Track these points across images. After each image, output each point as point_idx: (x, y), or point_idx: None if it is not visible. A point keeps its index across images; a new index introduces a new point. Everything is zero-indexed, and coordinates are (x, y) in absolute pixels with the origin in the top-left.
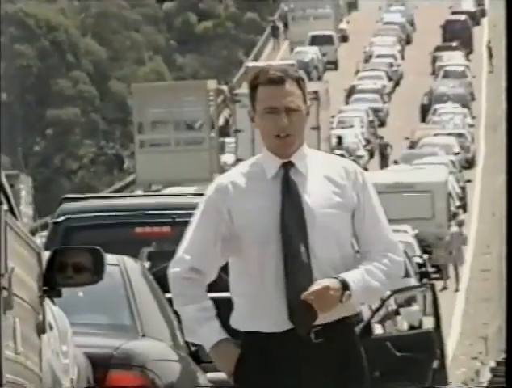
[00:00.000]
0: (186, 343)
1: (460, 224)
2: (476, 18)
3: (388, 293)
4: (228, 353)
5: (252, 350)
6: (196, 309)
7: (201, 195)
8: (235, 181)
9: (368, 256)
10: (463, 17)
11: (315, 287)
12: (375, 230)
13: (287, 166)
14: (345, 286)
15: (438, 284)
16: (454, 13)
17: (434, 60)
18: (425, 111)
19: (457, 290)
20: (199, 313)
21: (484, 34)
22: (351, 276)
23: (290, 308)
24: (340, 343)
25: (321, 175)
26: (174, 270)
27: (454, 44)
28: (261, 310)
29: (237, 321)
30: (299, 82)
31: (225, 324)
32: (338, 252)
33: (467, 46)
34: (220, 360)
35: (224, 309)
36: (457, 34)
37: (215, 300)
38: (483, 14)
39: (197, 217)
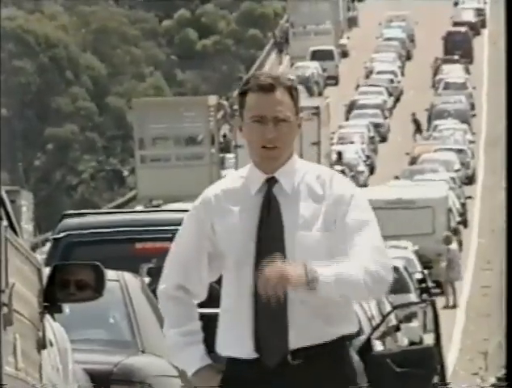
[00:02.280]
0: None
1: (449, 241)
2: (476, 28)
3: (389, 308)
4: (210, 380)
5: (230, 376)
6: (178, 333)
7: None
8: (219, 195)
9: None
10: (463, 29)
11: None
12: (359, 239)
13: (271, 182)
14: (309, 267)
15: (441, 301)
16: (455, 24)
17: (435, 72)
18: (418, 126)
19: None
20: (181, 337)
21: (485, 44)
22: (319, 264)
23: (256, 337)
24: (323, 362)
25: (305, 193)
26: (160, 287)
27: (455, 56)
28: (234, 335)
29: (216, 344)
30: (291, 91)
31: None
32: None
33: (467, 57)
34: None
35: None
36: (458, 45)
37: (208, 316)
38: (483, 24)
39: (181, 231)
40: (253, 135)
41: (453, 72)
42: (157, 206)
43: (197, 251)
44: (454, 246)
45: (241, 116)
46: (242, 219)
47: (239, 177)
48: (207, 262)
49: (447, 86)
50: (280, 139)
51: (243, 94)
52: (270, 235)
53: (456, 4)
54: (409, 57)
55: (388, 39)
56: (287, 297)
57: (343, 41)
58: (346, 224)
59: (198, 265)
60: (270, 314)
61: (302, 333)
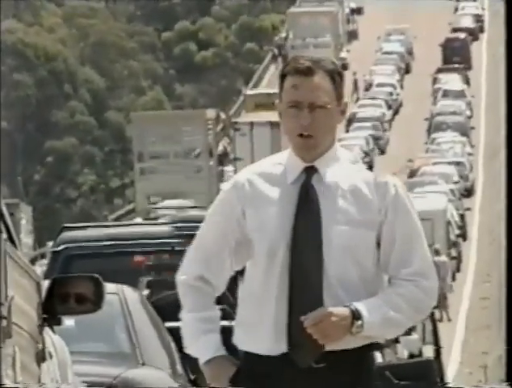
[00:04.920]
0: (185, 371)
1: (437, 253)
2: (475, 34)
3: None
4: (222, 371)
5: (247, 371)
6: (196, 318)
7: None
8: (253, 180)
9: (393, 282)
10: (462, 35)
11: (316, 313)
12: (406, 251)
13: (311, 171)
14: (357, 315)
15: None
16: (454, 30)
17: (435, 81)
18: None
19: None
20: (199, 323)
21: (483, 50)
22: (366, 305)
23: (290, 335)
24: (346, 369)
25: (346, 186)
26: (180, 278)
27: (454, 65)
28: (259, 329)
29: (236, 338)
30: (333, 75)
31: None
32: (355, 274)
33: (465, 63)
34: (213, 378)
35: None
36: (456, 51)
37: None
38: (481, 30)
39: (208, 217)
40: (288, 121)
41: (451, 81)
42: (155, 203)
43: (223, 238)
44: (442, 258)
45: (280, 100)
46: (278, 208)
47: (276, 163)
48: (233, 249)
49: (446, 93)
50: (316, 127)
51: (282, 76)
52: (306, 226)
53: (456, 10)
54: (407, 70)
55: (387, 52)
56: (322, 296)
57: (343, 54)
58: (394, 232)
59: (222, 254)
60: (305, 313)
61: None
